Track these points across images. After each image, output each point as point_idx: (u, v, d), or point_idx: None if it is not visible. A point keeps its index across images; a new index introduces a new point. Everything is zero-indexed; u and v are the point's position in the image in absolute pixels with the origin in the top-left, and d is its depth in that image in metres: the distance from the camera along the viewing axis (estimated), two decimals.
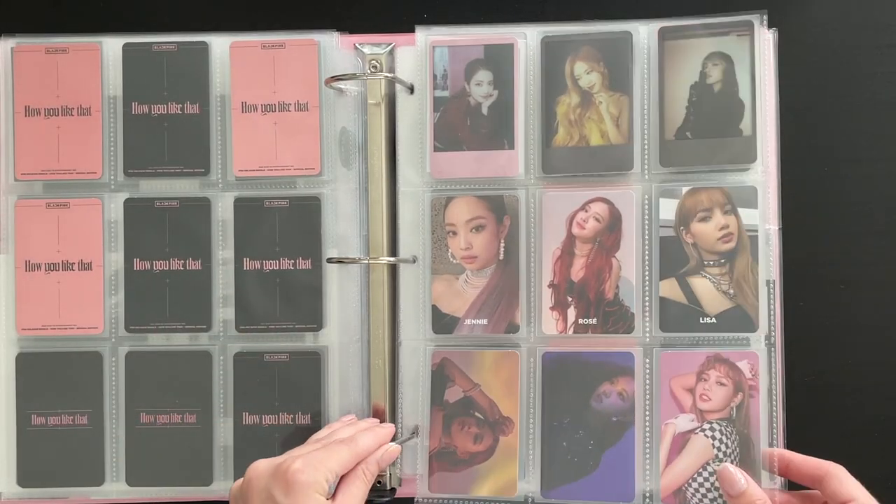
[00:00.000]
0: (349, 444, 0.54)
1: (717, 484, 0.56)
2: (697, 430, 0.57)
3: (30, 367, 0.61)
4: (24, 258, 0.61)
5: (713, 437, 0.56)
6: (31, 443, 0.60)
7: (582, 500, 0.58)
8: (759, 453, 0.56)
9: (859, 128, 0.62)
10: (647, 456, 0.57)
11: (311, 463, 0.51)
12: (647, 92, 0.59)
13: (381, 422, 0.60)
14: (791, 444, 0.60)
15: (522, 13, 0.62)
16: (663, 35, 0.58)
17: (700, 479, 0.56)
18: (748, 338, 0.57)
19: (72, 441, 0.60)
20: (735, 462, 0.56)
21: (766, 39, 0.59)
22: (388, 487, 0.60)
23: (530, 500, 0.59)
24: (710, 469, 0.56)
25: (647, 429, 0.58)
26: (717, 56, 0.58)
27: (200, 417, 0.60)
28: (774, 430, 0.59)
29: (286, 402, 0.60)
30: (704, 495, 0.56)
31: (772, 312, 0.58)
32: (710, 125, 0.58)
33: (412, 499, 0.60)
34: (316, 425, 0.60)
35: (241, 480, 0.52)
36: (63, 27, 0.62)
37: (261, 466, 0.51)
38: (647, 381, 0.58)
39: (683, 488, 0.57)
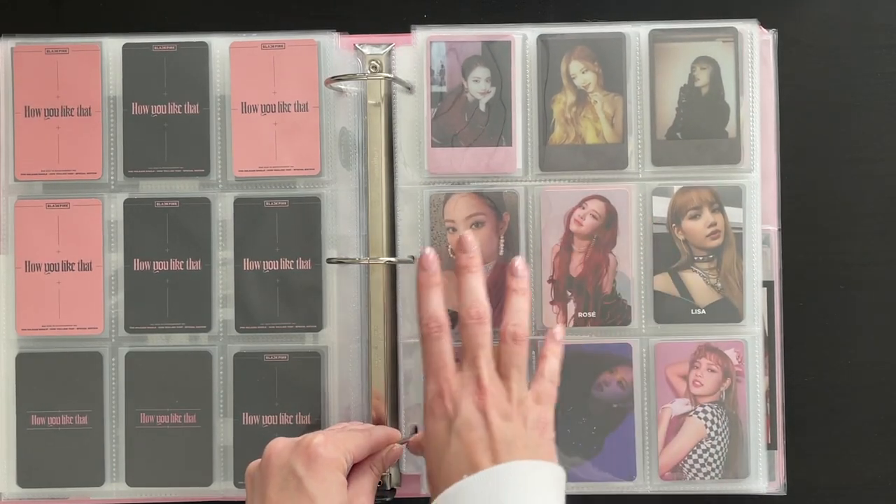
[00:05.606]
0: (365, 432, 0.54)
1: (709, 459, 0.59)
2: (691, 413, 0.59)
3: (30, 367, 0.60)
4: (24, 258, 0.61)
5: (706, 419, 0.59)
6: (30, 443, 0.60)
7: (587, 481, 0.59)
8: (745, 431, 0.59)
9: (859, 128, 0.62)
10: (647, 438, 0.59)
11: (332, 440, 0.51)
12: (639, 93, 0.60)
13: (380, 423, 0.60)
14: (791, 444, 0.60)
15: (522, 14, 0.62)
16: (654, 38, 0.60)
17: (695, 456, 0.59)
18: (734, 328, 0.60)
19: (72, 441, 0.60)
20: (725, 439, 0.59)
21: (764, 41, 0.60)
22: (389, 487, 0.60)
23: None
24: (703, 446, 0.59)
25: (646, 413, 0.60)
26: (704, 60, 0.60)
27: (200, 418, 0.60)
28: (775, 431, 0.59)
29: (286, 403, 0.60)
30: (699, 469, 0.59)
31: (766, 309, 0.59)
32: (698, 126, 0.60)
33: (413, 499, 0.60)
34: (316, 425, 0.60)
35: (257, 461, 0.52)
36: (63, 27, 0.63)
37: (280, 443, 0.52)
38: (644, 370, 0.60)
39: (680, 464, 0.59)
